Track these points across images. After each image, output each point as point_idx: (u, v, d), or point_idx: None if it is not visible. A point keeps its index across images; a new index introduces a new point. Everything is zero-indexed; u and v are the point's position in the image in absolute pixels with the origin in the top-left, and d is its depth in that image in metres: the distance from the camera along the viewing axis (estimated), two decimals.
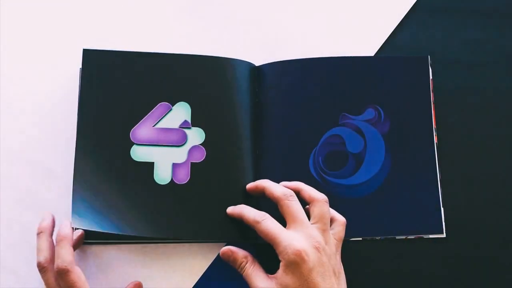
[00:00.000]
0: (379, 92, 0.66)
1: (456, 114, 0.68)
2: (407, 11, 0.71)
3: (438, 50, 0.67)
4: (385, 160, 0.64)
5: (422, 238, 0.64)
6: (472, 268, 0.64)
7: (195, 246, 0.64)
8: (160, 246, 0.63)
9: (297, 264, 0.54)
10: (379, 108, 0.65)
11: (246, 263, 0.58)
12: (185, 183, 0.64)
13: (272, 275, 0.56)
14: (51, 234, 0.59)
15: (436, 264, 0.64)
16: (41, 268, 0.56)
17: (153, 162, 0.64)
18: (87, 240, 0.62)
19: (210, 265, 0.64)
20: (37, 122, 0.67)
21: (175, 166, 0.64)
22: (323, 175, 0.64)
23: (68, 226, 0.58)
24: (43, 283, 0.61)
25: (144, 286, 0.62)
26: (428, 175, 0.64)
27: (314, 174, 0.64)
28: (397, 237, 0.64)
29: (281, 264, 0.55)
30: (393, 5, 0.71)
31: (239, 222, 0.62)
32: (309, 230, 0.56)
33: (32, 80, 0.68)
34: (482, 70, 0.69)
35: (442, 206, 0.64)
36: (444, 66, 0.68)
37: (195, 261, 0.63)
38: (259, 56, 0.68)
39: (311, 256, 0.54)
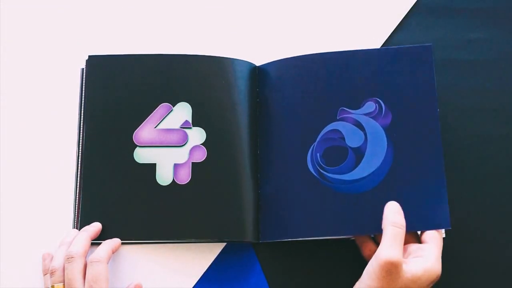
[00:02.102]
0: (379, 84, 0.64)
1: (456, 114, 0.67)
2: (407, 11, 0.71)
3: (438, 50, 0.67)
4: (387, 153, 0.63)
5: None
6: (472, 268, 0.64)
7: (195, 246, 0.64)
8: (160, 246, 0.64)
9: (430, 280, 0.55)
10: (379, 100, 0.64)
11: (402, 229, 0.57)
12: (187, 183, 0.64)
13: (405, 259, 0.56)
14: (92, 237, 0.61)
15: None
16: (70, 257, 0.58)
17: (155, 163, 0.64)
18: None
19: (210, 265, 0.64)
20: (37, 122, 0.67)
21: (176, 166, 0.64)
22: (322, 171, 0.63)
23: (118, 240, 0.62)
24: (43, 283, 0.61)
25: (144, 286, 0.62)
26: (434, 168, 0.62)
27: (312, 171, 0.63)
28: None
29: (423, 262, 0.55)
30: (393, 5, 0.71)
31: (239, 222, 0.62)
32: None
33: (32, 80, 0.69)
34: (482, 70, 0.69)
35: None
36: (444, 66, 0.68)
37: (195, 261, 0.64)
38: (259, 56, 0.68)
39: (431, 285, 0.56)
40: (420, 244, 0.58)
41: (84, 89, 0.67)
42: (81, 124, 0.66)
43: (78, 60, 0.68)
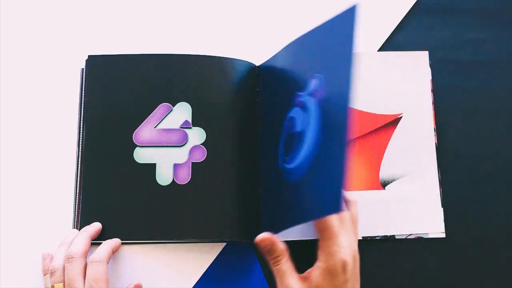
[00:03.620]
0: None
1: (456, 114, 0.67)
2: (407, 11, 0.71)
3: (438, 50, 0.67)
4: (317, 134, 0.56)
5: (422, 238, 0.64)
6: (472, 268, 0.64)
7: (195, 246, 0.64)
8: (160, 246, 0.64)
9: (337, 273, 0.54)
10: (321, 76, 0.57)
11: (283, 258, 0.57)
12: (186, 183, 0.64)
13: (305, 276, 0.56)
14: (92, 237, 0.61)
15: (436, 264, 0.63)
16: (70, 257, 0.58)
17: (155, 163, 0.64)
18: None
19: (210, 265, 0.64)
20: (37, 121, 0.67)
21: (176, 166, 0.64)
22: (283, 164, 0.61)
23: (119, 240, 0.62)
24: (43, 283, 0.61)
25: (144, 286, 0.62)
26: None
27: (280, 164, 0.61)
28: (397, 237, 0.64)
29: (319, 266, 0.54)
30: (393, 5, 0.71)
31: (239, 222, 0.62)
32: (350, 236, 0.56)
33: (32, 79, 0.69)
34: (482, 70, 0.69)
35: (442, 206, 0.64)
36: (444, 66, 0.68)
37: (195, 261, 0.64)
38: (259, 56, 0.68)
39: (350, 267, 0.55)
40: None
41: (84, 89, 0.67)
42: (81, 124, 0.66)
43: (78, 60, 0.68)
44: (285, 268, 0.56)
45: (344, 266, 0.54)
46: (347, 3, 0.71)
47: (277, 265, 0.57)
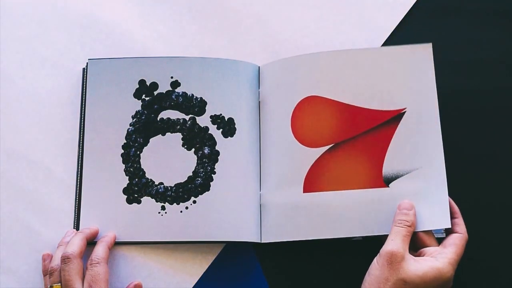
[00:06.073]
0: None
1: (456, 114, 0.67)
2: (407, 10, 0.71)
3: (438, 50, 0.67)
4: None
5: None
6: (472, 268, 0.63)
7: (195, 246, 0.64)
8: (160, 246, 0.64)
9: (437, 282, 0.56)
10: None
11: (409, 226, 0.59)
12: None
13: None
14: (88, 238, 0.62)
15: None
16: (65, 258, 0.58)
17: None
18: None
19: (210, 265, 0.64)
20: (37, 122, 0.68)
21: None
22: None
23: (112, 233, 0.62)
24: (43, 282, 0.62)
25: (144, 286, 0.62)
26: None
27: None
28: None
29: (425, 263, 0.56)
30: (393, 5, 0.71)
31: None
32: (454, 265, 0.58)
33: (33, 79, 0.69)
34: (482, 70, 0.69)
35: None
36: (444, 66, 0.68)
37: (195, 261, 0.64)
38: (264, 57, 0.68)
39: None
40: (438, 248, 0.59)
41: (85, 92, 0.67)
42: (82, 126, 0.66)
43: (79, 59, 0.69)
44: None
45: (445, 284, 0.57)
46: (347, 5, 0.72)
47: (405, 230, 0.59)
